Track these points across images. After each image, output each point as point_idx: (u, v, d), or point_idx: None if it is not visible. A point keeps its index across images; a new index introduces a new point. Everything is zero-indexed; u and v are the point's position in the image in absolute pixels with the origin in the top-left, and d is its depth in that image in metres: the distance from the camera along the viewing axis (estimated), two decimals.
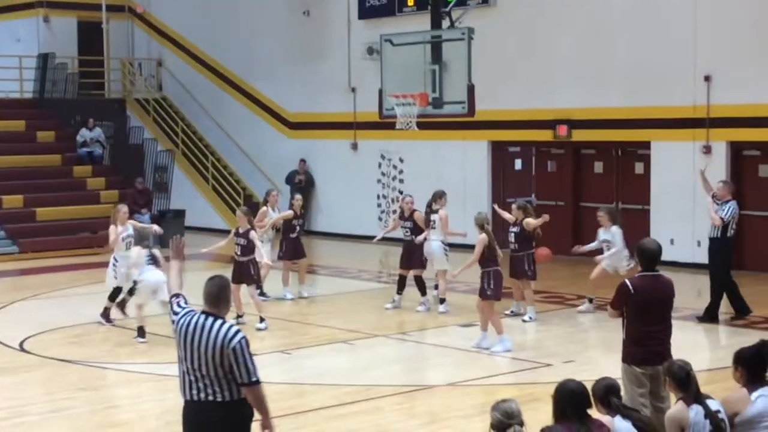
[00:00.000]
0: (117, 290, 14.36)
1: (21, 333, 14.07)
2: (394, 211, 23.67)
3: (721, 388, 8.60)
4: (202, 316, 6.45)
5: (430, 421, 9.95)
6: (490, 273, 12.52)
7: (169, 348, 12.77)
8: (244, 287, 14.19)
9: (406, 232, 15.56)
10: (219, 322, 6.40)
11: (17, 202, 22.89)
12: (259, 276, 14.67)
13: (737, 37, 18.31)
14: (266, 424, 6.48)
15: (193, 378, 6.38)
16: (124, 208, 14.61)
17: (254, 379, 6.35)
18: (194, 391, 6.38)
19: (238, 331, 6.40)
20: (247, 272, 14.14)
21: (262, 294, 15.94)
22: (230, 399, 6.35)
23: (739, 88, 18.18)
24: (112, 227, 14.30)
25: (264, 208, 16.29)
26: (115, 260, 14.27)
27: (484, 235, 12.55)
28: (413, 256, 15.47)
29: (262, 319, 13.97)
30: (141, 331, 13.39)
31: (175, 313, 6.56)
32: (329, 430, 9.65)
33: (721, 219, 14.06)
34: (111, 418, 10.32)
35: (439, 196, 15.52)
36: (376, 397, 10.74)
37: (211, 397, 6.34)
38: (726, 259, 14.38)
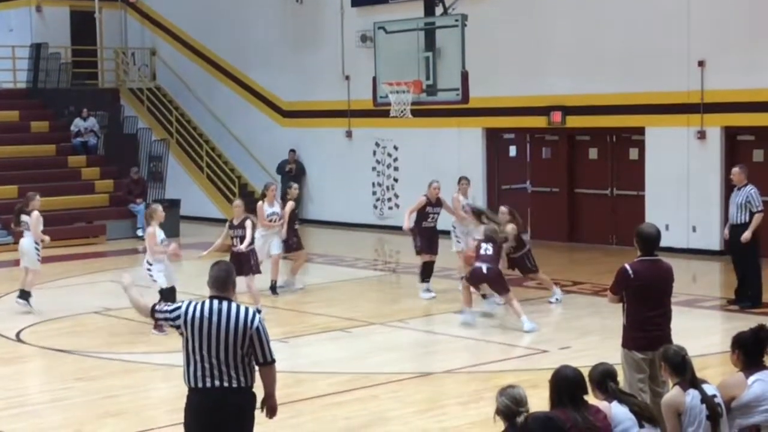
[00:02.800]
0: (169, 291, 13.25)
1: (17, 323, 14.09)
2: (389, 199, 23.72)
3: (718, 373, 8.64)
4: (215, 302, 6.48)
5: (427, 409, 9.97)
6: None
7: (167, 338, 12.83)
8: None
9: (434, 217, 15.43)
10: (234, 305, 6.49)
11: (11, 193, 22.83)
12: (257, 266, 14.63)
13: (731, 22, 18.31)
14: (272, 402, 6.74)
15: (207, 365, 6.39)
16: (160, 207, 14.03)
17: (274, 357, 6.57)
18: (207, 379, 6.40)
19: (255, 312, 6.56)
20: (246, 262, 14.11)
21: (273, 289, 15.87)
22: (245, 385, 6.47)
23: (733, 73, 18.19)
24: (150, 229, 13.38)
25: (260, 202, 15.72)
26: (149, 264, 13.33)
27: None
28: (434, 242, 15.52)
29: (258, 311, 13.85)
30: (24, 294, 14.61)
31: (175, 309, 6.52)
32: (326, 417, 9.68)
33: (759, 211, 13.85)
34: (109, 408, 10.32)
35: (458, 181, 16.03)
36: (373, 385, 10.77)
37: (226, 384, 6.40)
38: (755, 244, 13.99)
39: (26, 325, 14.02)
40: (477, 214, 14.60)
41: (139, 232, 23.33)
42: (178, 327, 6.49)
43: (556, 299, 14.82)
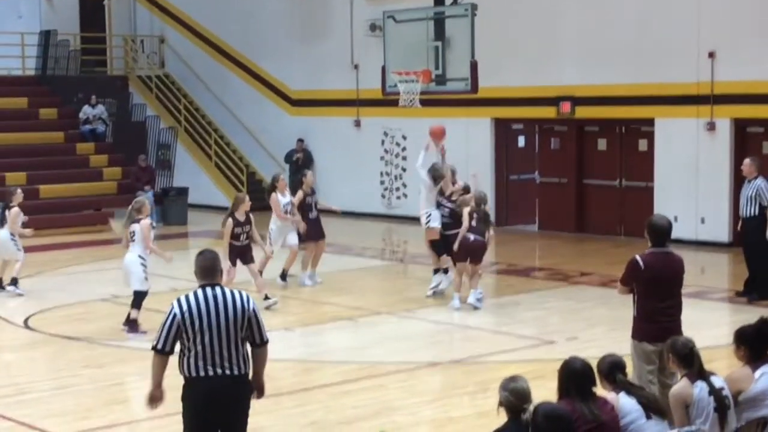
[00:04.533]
0: (142, 295, 12.67)
1: (25, 310, 14.13)
2: (397, 189, 23.71)
3: (725, 365, 8.61)
4: (207, 289, 6.51)
5: (433, 399, 9.99)
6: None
7: None
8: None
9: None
10: (227, 289, 6.57)
11: (20, 180, 22.81)
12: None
13: (741, 13, 18.24)
14: (261, 382, 6.76)
15: (209, 353, 6.42)
16: (146, 199, 13.44)
17: (268, 338, 6.65)
18: (209, 367, 6.44)
19: (248, 294, 6.65)
20: (249, 252, 14.01)
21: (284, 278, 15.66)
22: (243, 372, 6.53)
23: (743, 64, 18.12)
24: (146, 221, 12.67)
25: (274, 194, 15.35)
26: (143, 258, 12.64)
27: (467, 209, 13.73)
28: None
29: (266, 297, 13.92)
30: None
31: (168, 318, 6.45)
32: (333, 406, 9.68)
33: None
34: (116, 396, 10.36)
35: None
36: (380, 375, 10.78)
37: (228, 372, 6.46)
38: (758, 234, 13.84)
39: (34, 311, 14.05)
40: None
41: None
42: (177, 328, 6.44)
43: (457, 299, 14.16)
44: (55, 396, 10.25)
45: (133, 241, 12.59)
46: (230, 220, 13.73)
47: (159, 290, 14.74)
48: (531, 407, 5.83)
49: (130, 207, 12.93)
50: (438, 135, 14.95)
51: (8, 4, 29.24)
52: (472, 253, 13.64)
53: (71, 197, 23.21)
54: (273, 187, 15.54)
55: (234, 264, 13.67)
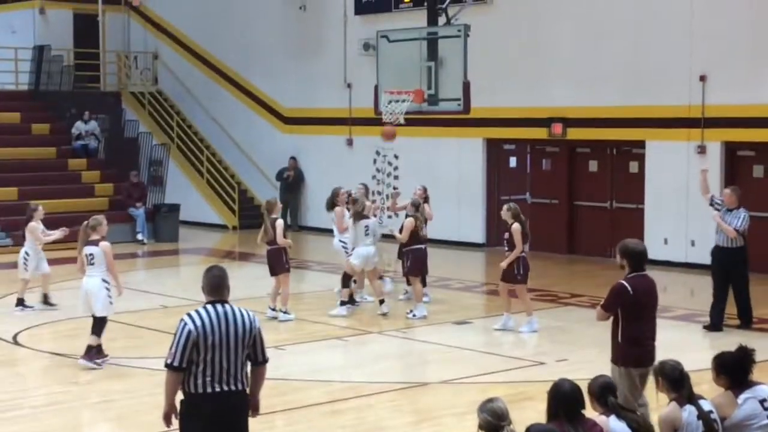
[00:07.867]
0: (105, 321, 11.94)
1: (15, 326, 14.09)
2: (388, 208, 23.69)
3: (713, 389, 8.62)
4: (218, 306, 6.54)
5: (422, 419, 9.98)
6: (519, 259, 13.53)
7: (163, 343, 12.82)
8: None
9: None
10: (236, 307, 6.60)
11: (11, 195, 22.84)
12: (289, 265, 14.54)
13: (733, 37, 18.34)
14: (257, 401, 6.79)
15: (217, 370, 6.44)
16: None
17: (268, 357, 6.73)
18: (217, 384, 6.46)
19: (253, 312, 6.71)
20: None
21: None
22: (245, 387, 6.59)
23: (734, 88, 18.21)
24: (107, 243, 11.88)
25: (339, 208, 15.50)
26: (107, 282, 11.83)
27: (517, 225, 13.50)
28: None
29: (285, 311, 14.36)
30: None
31: (182, 336, 6.41)
32: (321, 426, 9.68)
33: (736, 230, 13.46)
34: (105, 413, 10.33)
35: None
36: (369, 394, 10.76)
37: (233, 387, 6.50)
38: (744, 266, 13.84)
39: (24, 327, 14.01)
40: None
41: (139, 236, 23.34)
42: (193, 344, 6.41)
43: (414, 314, 14.58)
44: (43, 413, 10.20)
45: (92, 264, 11.69)
46: (281, 220, 14.14)
47: (149, 307, 14.80)
48: (509, 427, 5.84)
49: (84, 225, 11.92)
50: (389, 135, 15.49)
51: (2, 18, 29.28)
52: (529, 272, 13.85)
53: (62, 213, 23.09)
54: (335, 201, 15.65)
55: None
